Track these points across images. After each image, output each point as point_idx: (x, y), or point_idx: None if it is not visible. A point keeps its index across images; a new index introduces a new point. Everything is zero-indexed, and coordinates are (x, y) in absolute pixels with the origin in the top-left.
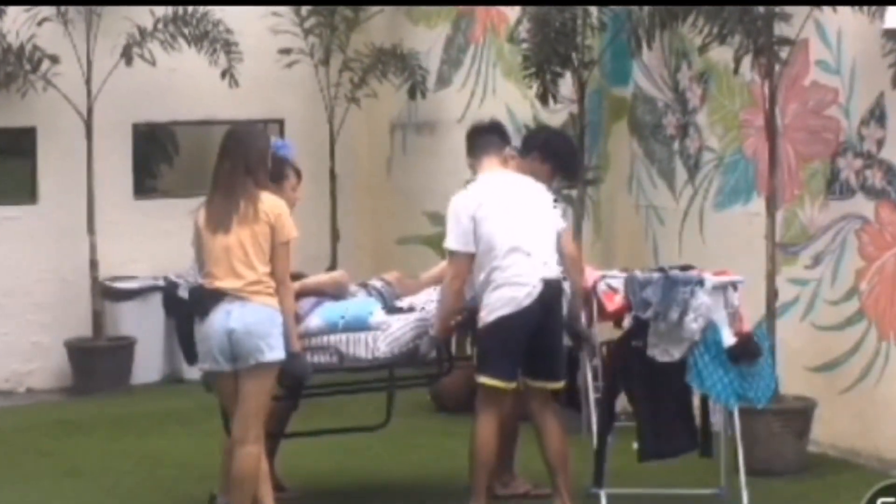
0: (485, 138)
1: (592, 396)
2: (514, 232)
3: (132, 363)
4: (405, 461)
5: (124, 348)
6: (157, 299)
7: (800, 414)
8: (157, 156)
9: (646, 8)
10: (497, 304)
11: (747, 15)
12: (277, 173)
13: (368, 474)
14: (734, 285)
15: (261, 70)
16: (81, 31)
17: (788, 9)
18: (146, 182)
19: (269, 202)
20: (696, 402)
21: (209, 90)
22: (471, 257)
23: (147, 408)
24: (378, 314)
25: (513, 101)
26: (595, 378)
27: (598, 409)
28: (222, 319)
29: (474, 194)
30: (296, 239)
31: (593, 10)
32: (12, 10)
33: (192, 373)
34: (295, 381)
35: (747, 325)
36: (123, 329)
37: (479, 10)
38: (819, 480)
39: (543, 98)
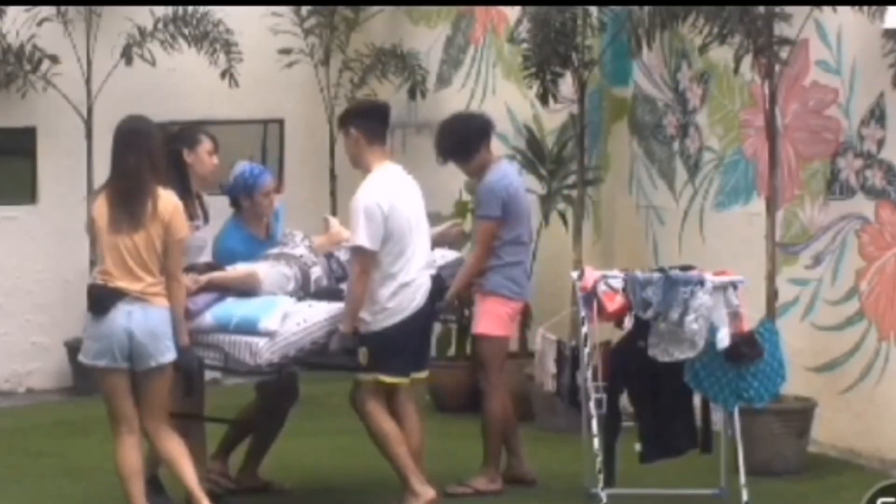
0: (384, 124)
1: (593, 396)
2: (413, 231)
3: None
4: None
5: None
6: None
7: (800, 414)
8: None
9: (646, 8)
10: (401, 305)
11: (747, 15)
12: (191, 138)
13: (368, 474)
14: (734, 285)
15: (261, 70)
16: (81, 31)
17: (788, 9)
18: None
19: (165, 199)
20: (696, 400)
21: (209, 90)
22: (376, 254)
23: None
24: (272, 320)
25: (513, 102)
26: (595, 378)
27: (605, 410)
28: (123, 320)
29: (384, 191)
30: (186, 237)
31: (593, 10)
32: (12, 10)
33: None
34: (186, 375)
35: (747, 325)
36: None
37: (479, 11)
38: (819, 480)
39: (543, 98)
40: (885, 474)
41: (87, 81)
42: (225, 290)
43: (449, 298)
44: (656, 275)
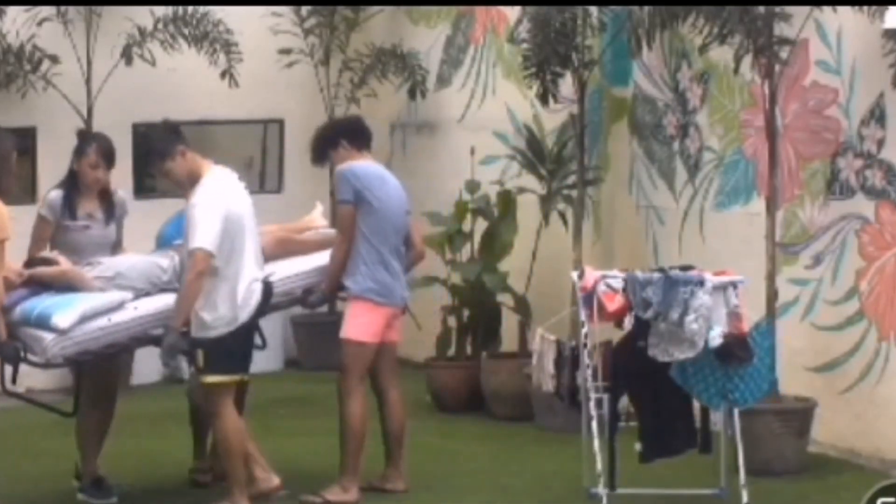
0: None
1: (593, 396)
2: (246, 234)
3: (132, 363)
4: (405, 460)
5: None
6: None
7: (800, 414)
8: None
9: (646, 8)
10: (236, 311)
11: (747, 15)
12: (79, 148)
13: (367, 474)
14: (734, 285)
15: (261, 70)
16: (81, 31)
17: (788, 9)
18: (146, 182)
19: None
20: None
21: (209, 90)
22: (214, 257)
23: (147, 408)
24: (64, 317)
25: (513, 102)
26: (595, 378)
27: (605, 410)
28: None
29: (224, 193)
30: (8, 240)
31: (593, 10)
32: (12, 11)
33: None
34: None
35: (747, 325)
36: None
37: (479, 11)
38: (819, 481)
39: (543, 98)
40: (885, 474)
41: (88, 81)
42: (46, 285)
43: (321, 294)
44: (656, 275)
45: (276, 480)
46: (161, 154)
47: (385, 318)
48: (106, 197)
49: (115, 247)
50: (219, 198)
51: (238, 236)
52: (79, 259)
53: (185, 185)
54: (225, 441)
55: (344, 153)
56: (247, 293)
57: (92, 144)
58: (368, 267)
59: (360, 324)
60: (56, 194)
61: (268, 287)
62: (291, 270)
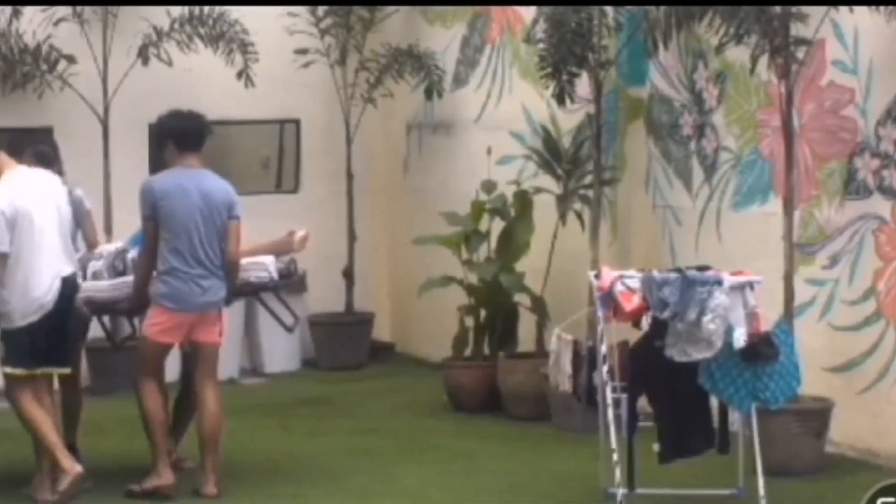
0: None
1: (610, 396)
2: (44, 233)
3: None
4: (421, 461)
5: None
6: None
7: (817, 414)
8: None
9: (662, 8)
10: (29, 308)
11: (764, 15)
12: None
13: (384, 474)
14: (751, 285)
15: (277, 70)
16: (98, 31)
17: (805, 9)
18: None
19: None
20: (714, 400)
21: (225, 90)
22: (6, 256)
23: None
24: None
25: (529, 102)
26: (612, 378)
27: (622, 410)
28: None
29: (8, 193)
30: None
31: (609, 10)
32: (28, 11)
33: None
34: None
35: (764, 326)
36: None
37: (495, 11)
38: (836, 481)
39: (560, 98)
40: None
41: (104, 81)
42: None
43: (127, 302)
44: (673, 275)
45: (77, 468)
46: None
47: (176, 323)
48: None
49: (90, 245)
50: (3, 200)
51: (26, 234)
52: None
53: None
54: (31, 426)
55: (170, 154)
56: (43, 289)
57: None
58: (162, 274)
59: (152, 324)
60: None
61: (67, 283)
62: None
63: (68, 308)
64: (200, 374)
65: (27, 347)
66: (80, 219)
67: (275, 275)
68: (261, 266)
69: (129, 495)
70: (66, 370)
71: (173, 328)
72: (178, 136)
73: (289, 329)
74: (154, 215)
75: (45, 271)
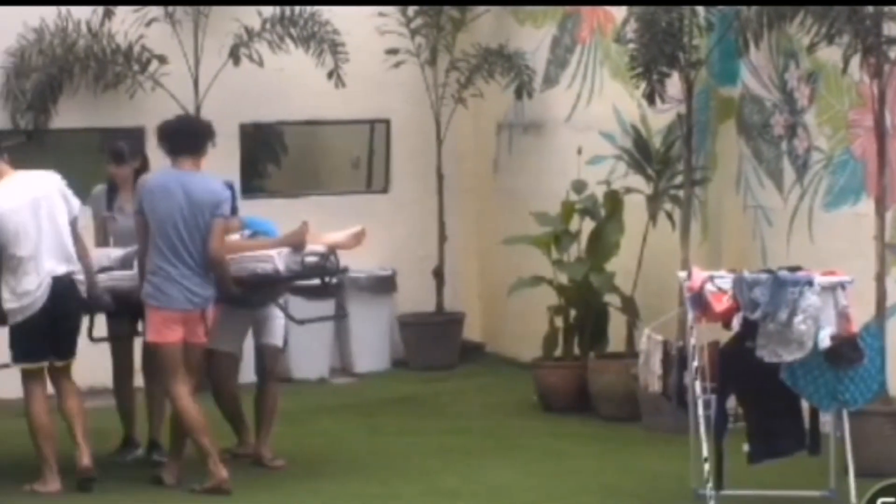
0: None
1: (701, 397)
2: (44, 233)
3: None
4: (510, 461)
5: None
6: None
7: None
8: (264, 156)
9: (753, 7)
10: (25, 306)
11: (856, 14)
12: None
13: (473, 474)
14: (843, 286)
15: (367, 70)
16: (189, 31)
17: None
18: (254, 182)
19: None
20: (805, 401)
21: (316, 90)
22: None
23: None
24: None
25: (620, 102)
26: (702, 379)
27: (713, 411)
28: None
29: (2, 198)
30: None
31: (700, 9)
32: (121, 11)
33: None
34: None
35: (854, 326)
36: None
37: (586, 10)
38: None
39: (651, 98)
40: None
41: (195, 81)
42: None
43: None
44: (764, 275)
45: (56, 486)
46: None
47: (166, 320)
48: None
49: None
50: None
51: (21, 236)
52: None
53: None
54: (29, 422)
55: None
56: (35, 287)
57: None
58: (149, 273)
59: (147, 326)
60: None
61: (60, 282)
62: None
63: (63, 305)
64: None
65: (27, 342)
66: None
67: (280, 267)
68: (266, 258)
69: (192, 491)
70: (67, 362)
71: (166, 326)
72: (170, 140)
73: (298, 322)
74: (142, 212)
75: (40, 269)
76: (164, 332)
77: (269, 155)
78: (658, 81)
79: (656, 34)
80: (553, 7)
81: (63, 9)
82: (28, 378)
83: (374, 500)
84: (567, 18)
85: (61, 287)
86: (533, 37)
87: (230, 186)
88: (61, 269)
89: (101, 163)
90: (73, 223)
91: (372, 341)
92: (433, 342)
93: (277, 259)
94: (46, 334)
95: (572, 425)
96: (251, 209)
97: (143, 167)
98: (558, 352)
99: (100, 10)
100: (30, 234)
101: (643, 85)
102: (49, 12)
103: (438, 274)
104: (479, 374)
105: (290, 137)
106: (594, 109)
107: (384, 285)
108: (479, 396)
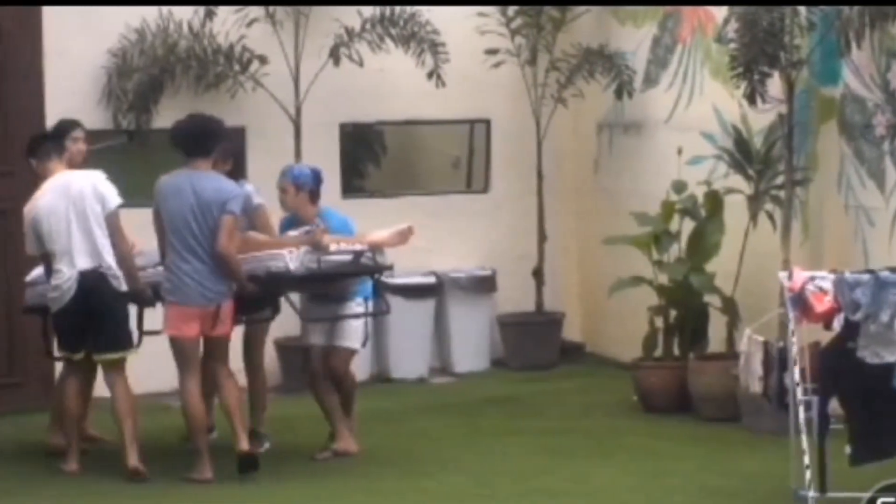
0: (44, 146)
1: (802, 398)
2: (74, 230)
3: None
4: (610, 461)
5: None
6: None
7: None
8: (364, 155)
9: (855, 7)
10: (56, 298)
11: None
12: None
13: (573, 474)
14: None
15: (467, 70)
16: (290, 31)
17: None
18: (354, 182)
19: None
20: None
21: (416, 90)
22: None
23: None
24: None
25: (720, 102)
26: (803, 379)
27: (814, 412)
28: None
29: (33, 201)
30: None
31: (802, 9)
32: (222, 12)
33: None
34: None
35: None
36: None
37: (687, 10)
38: None
39: (751, 98)
40: None
41: (296, 81)
42: None
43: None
44: (866, 276)
45: (73, 467)
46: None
47: (182, 315)
48: None
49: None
50: (29, 206)
51: (50, 234)
52: None
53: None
54: (59, 404)
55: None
56: (65, 280)
57: (78, 126)
58: (166, 270)
59: (165, 320)
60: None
61: (88, 277)
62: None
63: (93, 299)
64: (213, 365)
65: (59, 332)
66: (248, 213)
67: (291, 265)
68: (279, 257)
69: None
70: (107, 356)
71: (182, 321)
72: (182, 141)
73: (384, 312)
74: (158, 211)
75: (71, 264)
76: (182, 326)
77: (368, 155)
78: (759, 81)
79: (757, 34)
80: (654, 7)
81: (164, 9)
82: (65, 368)
83: (475, 499)
84: (668, 18)
85: (90, 281)
86: (633, 36)
87: (316, 174)
88: (89, 265)
89: None
90: (109, 218)
91: (471, 341)
92: (533, 342)
93: (289, 258)
94: (81, 327)
95: (672, 426)
96: (351, 209)
97: (236, 169)
98: (658, 352)
99: (201, 10)
100: (62, 231)
101: (744, 85)
102: (150, 13)
103: (538, 274)
104: (578, 375)
105: (390, 137)
106: (694, 109)
107: (484, 285)
108: (578, 397)
